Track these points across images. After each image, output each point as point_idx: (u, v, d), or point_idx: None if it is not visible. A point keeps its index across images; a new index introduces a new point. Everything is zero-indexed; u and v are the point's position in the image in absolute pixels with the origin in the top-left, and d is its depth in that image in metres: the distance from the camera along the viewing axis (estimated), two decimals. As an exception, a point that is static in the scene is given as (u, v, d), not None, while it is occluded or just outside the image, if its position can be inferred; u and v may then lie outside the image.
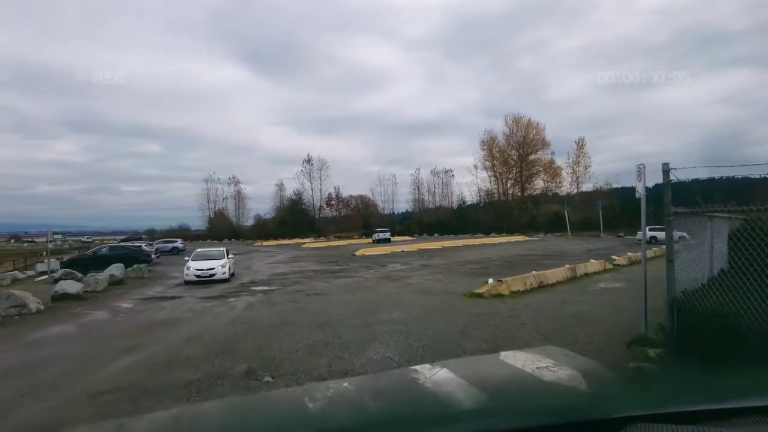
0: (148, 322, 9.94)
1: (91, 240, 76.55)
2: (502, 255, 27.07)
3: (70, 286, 13.69)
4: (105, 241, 63.63)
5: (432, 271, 18.89)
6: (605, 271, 18.47)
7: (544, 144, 77.64)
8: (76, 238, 80.00)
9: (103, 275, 16.77)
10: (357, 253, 30.42)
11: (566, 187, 75.47)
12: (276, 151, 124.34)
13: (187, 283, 16.86)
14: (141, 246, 25.55)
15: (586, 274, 17.13)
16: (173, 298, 13.66)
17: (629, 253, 24.26)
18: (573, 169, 74.62)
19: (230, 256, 19.10)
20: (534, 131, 78.21)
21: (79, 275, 19.29)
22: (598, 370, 3.41)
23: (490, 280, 14.52)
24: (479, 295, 11.81)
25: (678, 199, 5.37)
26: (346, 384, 2.92)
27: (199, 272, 16.96)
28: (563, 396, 1.41)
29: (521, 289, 13.19)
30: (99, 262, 22.18)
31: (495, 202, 72.97)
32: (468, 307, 10.48)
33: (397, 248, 33.28)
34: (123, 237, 73.59)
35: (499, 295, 12.06)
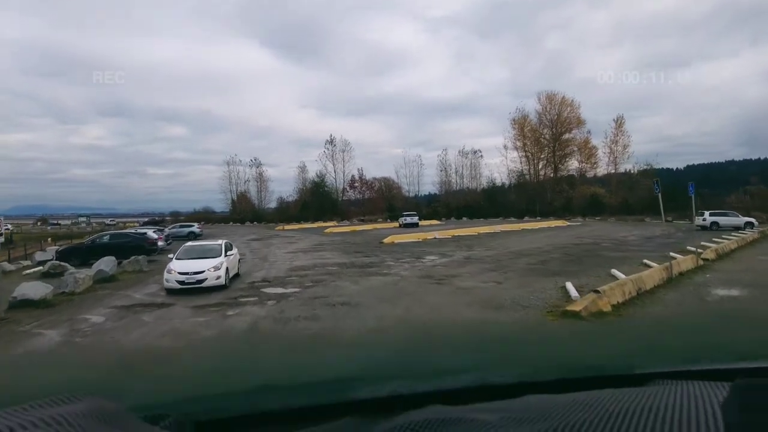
0: (104, 354, 6.80)
1: (114, 223, 75.41)
2: (554, 244, 23.29)
3: (33, 290, 10.70)
4: (129, 225, 61.97)
5: (481, 268, 15.36)
6: (699, 268, 14.65)
7: (579, 122, 72.29)
8: (101, 221, 78.98)
9: (87, 272, 13.83)
10: (385, 240, 27.06)
11: (602, 168, 70.20)
12: (300, 134, 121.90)
13: (170, 292, 12.03)
14: (146, 233, 22.68)
15: (681, 274, 13.38)
16: (161, 306, 10.52)
17: (704, 243, 20.25)
18: (610, 149, 69.13)
19: (232, 251, 14.16)
20: (568, 109, 72.89)
21: (70, 268, 16.54)
22: (619, 326, 3.55)
23: (570, 287, 10.94)
24: (575, 315, 8.24)
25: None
26: None
27: (183, 277, 12.03)
28: (583, 351, 1.22)
29: (620, 300, 9.59)
30: (98, 251, 19.40)
31: (527, 183, 68.37)
32: (572, 338, 6.97)
33: (428, 234, 29.75)
34: (146, 220, 72.18)
35: (600, 313, 8.51)
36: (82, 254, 19.63)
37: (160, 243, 24.79)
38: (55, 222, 75.80)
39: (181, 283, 12.02)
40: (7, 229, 66.39)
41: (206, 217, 79.15)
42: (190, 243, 15.36)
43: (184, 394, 0.87)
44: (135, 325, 8.79)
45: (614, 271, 13.46)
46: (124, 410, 0.61)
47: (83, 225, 68.23)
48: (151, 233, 24.91)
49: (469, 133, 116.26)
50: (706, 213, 33.60)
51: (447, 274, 14.02)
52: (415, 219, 43.29)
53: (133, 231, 25.13)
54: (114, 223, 75.86)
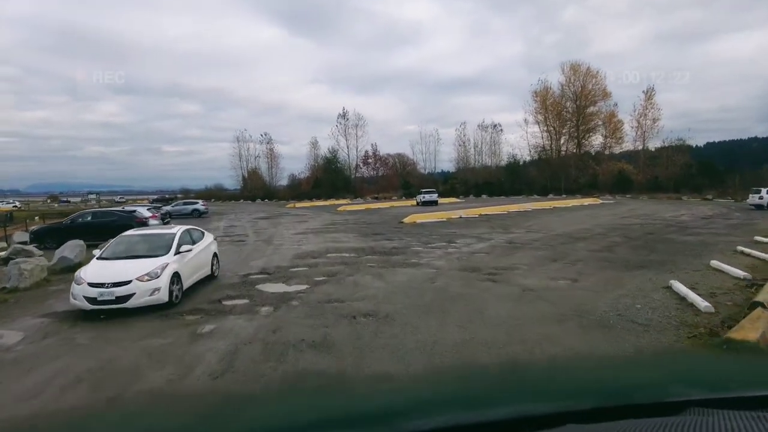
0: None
1: (124, 200, 73.29)
2: (603, 225, 19.85)
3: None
4: (139, 201, 59.64)
5: (536, 257, 12.08)
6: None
7: (605, 95, 67.44)
8: (110, 198, 76.91)
9: (38, 261, 10.87)
10: (405, 219, 23.82)
11: (628, 143, 65.49)
12: (312, 111, 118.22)
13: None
14: (135, 211, 19.69)
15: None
16: (108, 317, 7.43)
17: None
18: (638, 123, 64.25)
19: (195, 245, 9.23)
20: (593, 80, 68.01)
21: (37, 252, 13.68)
22: (654, 351, 3.62)
23: (682, 288, 7.63)
24: (746, 345, 4.97)
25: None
26: None
27: (96, 292, 7.31)
28: (615, 377, 1.16)
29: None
30: (77, 232, 16.53)
31: (550, 159, 64.18)
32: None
33: (452, 213, 26.43)
34: (156, 197, 69.74)
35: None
36: (59, 235, 16.74)
37: (153, 221, 21.88)
38: (65, 199, 73.95)
39: (93, 300, 7.26)
40: (15, 206, 64.73)
41: (216, 194, 76.61)
42: (130, 231, 10.03)
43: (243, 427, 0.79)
44: (56, 352, 5.75)
45: (717, 263, 10.10)
46: None
47: (93, 202, 66.01)
48: (143, 211, 21.98)
49: (483, 109, 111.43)
50: (763, 191, 29.59)
51: (497, 266, 10.75)
52: (434, 196, 39.85)
53: (120, 209, 22.23)
54: (123, 200, 73.74)
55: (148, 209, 22.43)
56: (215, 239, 11.17)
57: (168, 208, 34.71)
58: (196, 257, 8.98)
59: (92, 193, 72.17)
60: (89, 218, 17.87)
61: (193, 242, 9.32)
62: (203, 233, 10.57)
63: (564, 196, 53.73)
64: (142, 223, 18.11)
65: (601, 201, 40.45)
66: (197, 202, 35.41)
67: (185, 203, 35.17)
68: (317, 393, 1.30)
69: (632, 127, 63.83)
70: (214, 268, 10.09)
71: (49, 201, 73.12)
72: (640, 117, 63.43)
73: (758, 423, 0.55)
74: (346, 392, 1.30)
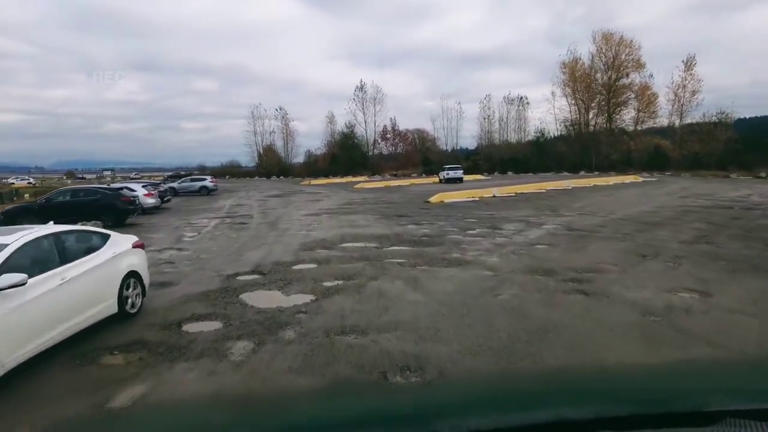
0: None
1: (138, 176, 71.51)
2: (668, 206, 16.52)
3: None
4: (154, 177, 57.61)
5: (614, 249, 9.00)
6: None
7: (639, 65, 62.02)
8: (125, 174, 75.41)
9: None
10: (432, 199, 20.77)
11: (663, 118, 60.42)
12: (329, 87, 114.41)
13: None
14: (122, 188, 17.00)
15: None
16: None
17: None
18: (675, 95, 59.05)
19: (92, 261, 5.10)
20: (627, 50, 62.66)
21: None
22: (692, 360, 3.42)
23: None
24: None
25: None
26: None
27: None
28: (651, 385, 1.13)
29: None
30: (53, 212, 14.02)
31: (581, 134, 59.81)
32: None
33: (483, 191, 23.26)
34: (170, 173, 67.77)
35: None
36: (32, 216, 14.25)
37: (150, 200, 19.35)
38: (81, 176, 72.65)
39: None
40: (30, 182, 63.58)
41: (231, 171, 74.41)
42: None
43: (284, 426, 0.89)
44: None
45: None
46: None
47: (108, 179, 64.38)
48: (136, 188, 19.40)
49: (505, 85, 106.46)
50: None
51: (574, 266, 7.72)
52: (459, 173, 36.59)
53: (105, 186, 19.64)
54: (138, 176, 71.91)
55: (143, 186, 19.85)
56: (137, 246, 6.15)
57: (174, 185, 32.29)
58: (58, 294, 4.45)
59: (107, 170, 70.82)
60: (68, 197, 15.29)
61: (60, 262, 4.74)
62: (105, 238, 5.68)
63: (597, 173, 49.73)
64: (129, 202, 15.48)
65: (642, 179, 36.61)
66: (205, 179, 32.83)
67: (192, 180, 32.63)
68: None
69: (668, 100, 58.72)
70: (130, 299, 5.58)
71: (65, 178, 71.94)
72: (678, 89, 58.33)
73: None
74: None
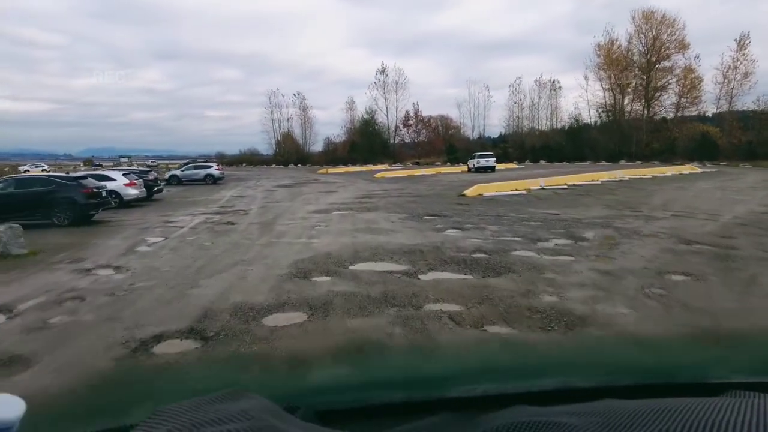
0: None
1: (155, 164, 69.31)
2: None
3: None
4: (171, 166, 55.05)
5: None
6: None
7: (683, 47, 56.01)
8: (142, 162, 73.36)
9: None
10: (468, 191, 16.90)
11: (707, 104, 54.53)
12: (350, 75, 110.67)
13: None
14: (83, 178, 13.31)
15: None
16: None
17: None
18: (725, 77, 53.07)
19: None
20: (669, 30, 56.67)
21: None
22: (695, 333, 3.44)
23: None
24: None
25: None
26: None
27: None
28: (655, 356, 1.14)
29: None
30: (-7, 206, 10.95)
31: (620, 121, 54.57)
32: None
33: (527, 182, 19.18)
34: (187, 161, 65.27)
35: None
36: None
37: (132, 191, 16.07)
38: (98, 163, 70.75)
39: None
40: (44, 169, 61.82)
41: (249, 159, 71.47)
42: None
43: (304, 387, 0.92)
44: None
45: None
46: (272, 403, 0.61)
47: (124, 166, 62.16)
48: (116, 176, 16.13)
49: (528, 72, 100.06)
50: None
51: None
52: (492, 161, 32.43)
53: (64, 174, 16.23)
54: (155, 164, 69.67)
55: (125, 174, 16.54)
56: None
57: (177, 173, 29.16)
58: None
59: (124, 157, 68.59)
60: (12, 188, 11.95)
61: None
62: None
63: (638, 162, 44.82)
64: (91, 194, 12.11)
65: (700, 169, 31.79)
66: (211, 166, 29.46)
67: (197, 167, 29.31)
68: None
69: (717, 83, 52.75)
70: None
71: (82, 165, 70.15)
72: (728, 70, 52.38)
73: None
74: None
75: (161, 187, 19.12)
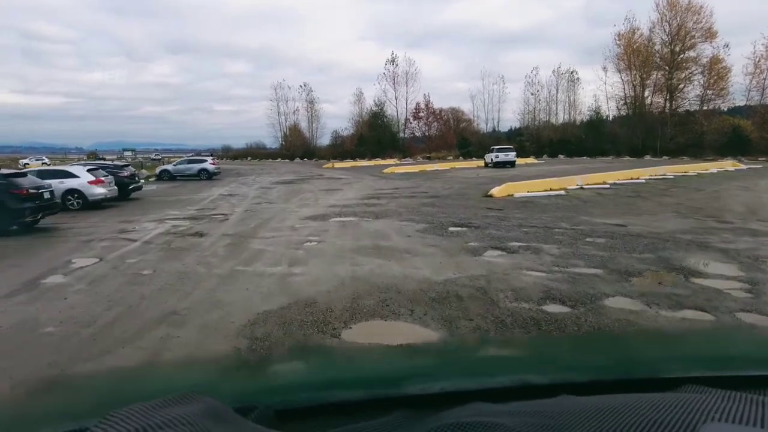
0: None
1: (159, 157, 67.12)
2: None
3: None
4: (172, 160, 52.69)
5: None
6: None
7: (710, 35, 52.03)
8: (145, 155, 71.19)
9: None
10: (494, 191, 14.05)
11: (737, 94, 50.69)
12: (359, 70, 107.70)
13: None
14: (18, 176, 10.44)
15: None
16: None
17: None
18: (756, 67, 49.31)
19: None
20: (695, 18, 52.72)
21: None
22: (654, 328, 3.44)
23: None
24: None
25: None
26: None
27: None
28: (612, 352, 1.14)
29: None
30: None
31: (644, 114, 51.05)
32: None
33: (558, 181, 16.21)
34: (191, 155, 62.86)
35: None
36: None
37: (99, 191, 13.48)
38: (101, 156, 68.69)
39: None
40: (45, 163, 59.84)
41: (255, 152, 69.00)
42: None
43: (263, 386, 0.91)
44: None
45: None
46: (222, 405, 0.59)
47: (129, 159, 59.96)
48: (79, 172, 13.56)
49: (542, 66, 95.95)
50: None
51: None
52: (511, 156, 29.40)
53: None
54: (159, 157, 67.46)
55: (90, 170, 13.90)
56: None
57: (169, 167, 26.61)
58: None
59: (128, 150, 66.08)
60: None
61: None
62: None
63: (665, 158, 41.53)
64: (25, 197, 9.49)
65: (740, 165, 28.52)
66: (205, 160, 26.81)
67: (190, 161, 26.62)
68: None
69: (747, 74, 48.92)
70: None
71: (85, 158, 68.20)
72: (760, 60, 48.57)
73: (754, 405, 0.51)
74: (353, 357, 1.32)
75: (140, 184, 16.50)
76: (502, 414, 0.54)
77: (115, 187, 14.30)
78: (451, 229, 8.58)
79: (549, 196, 13.47)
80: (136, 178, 16.43)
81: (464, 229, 8.54)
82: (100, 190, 13.43)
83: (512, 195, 13.64)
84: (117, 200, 14.67)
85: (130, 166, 18.21)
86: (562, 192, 14.13)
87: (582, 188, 15.16)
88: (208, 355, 3.46)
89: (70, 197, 13.13)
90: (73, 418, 0.69)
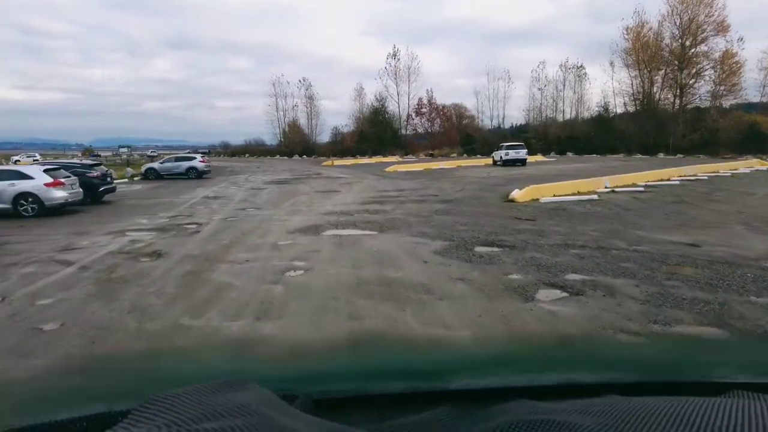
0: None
1: (155, 154, 65.13)
2: None
3: None
4: (167, 155, 50.72)
5: None
6: None
7: (723, 29, 49.85)
8: (142, 152, 69.24)
9: None
10: (515, 195, 12.07)
11: (750, 90, 48.61)
12: (361, 66, 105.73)
13: None
14: None
15: None
16: None
17: None
18: (773, 59, 47.18)
19: None
20: (707, 11, 50.49)
21: None
22: (701, 333, 3.33)
23: None
24: None
25: None
26: None
27: None
28: (660, 355, 1.09)
29: None
30: None
31: (655, 110, 48.92)
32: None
33: (584, 183, 14.24)
34: (188, 151, 60.81)
35: None
36: None
37: (58, 194, 11.56)
38: (96, 153, 66.71)
39: None
40: (36, 160, 57.90)
41: (252, 149, 66.91)
42: None
43: (303, 374, 0.88)
44: None
45: None
46: (271, 393, 0.58)
47: (124, 156, 57.93)
48: (34, 172, 11.65)
49: (545, 62, 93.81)
50: None
51: None
52: (522, 153, 27.38)
53: None
54: (155, 154, 65.49)
55: (47, 170, 11.93)
56: None
57: (155, 165, 24.64)
58: None
59: (123, 146, 64.02)
60: None
61: None
62: None
63: (679, 156, 39.54)
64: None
65: (768, 164, 26.50)
66: (194, 158, 24.81)
67: (178, 159, 24.59)
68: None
69: (762, 68, 46.85)
70: None
71: (80, 155, 66.16)
72: (777, 52, 46.45)
73: None
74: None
75: (112, 186, 14.52)
76: (554, 412, 0.51)
77: (80, 190, 12.33)
78: (478, 249, 6.60)
79: (580, 201, 11.48)
80: (109, 179, 14.43)
81: (496, 249, 6.56)
82: (59, 194, 11.47)
83: (538, 200, 11.67)
84: (84, 204, 12.74)
85: (101, 166, 16.19)
86: (594, 196, 12.14)
87: (613, 191, 13.18)
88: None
89: (23, 201, 11.19)
90: (106, 400, 0.66)
